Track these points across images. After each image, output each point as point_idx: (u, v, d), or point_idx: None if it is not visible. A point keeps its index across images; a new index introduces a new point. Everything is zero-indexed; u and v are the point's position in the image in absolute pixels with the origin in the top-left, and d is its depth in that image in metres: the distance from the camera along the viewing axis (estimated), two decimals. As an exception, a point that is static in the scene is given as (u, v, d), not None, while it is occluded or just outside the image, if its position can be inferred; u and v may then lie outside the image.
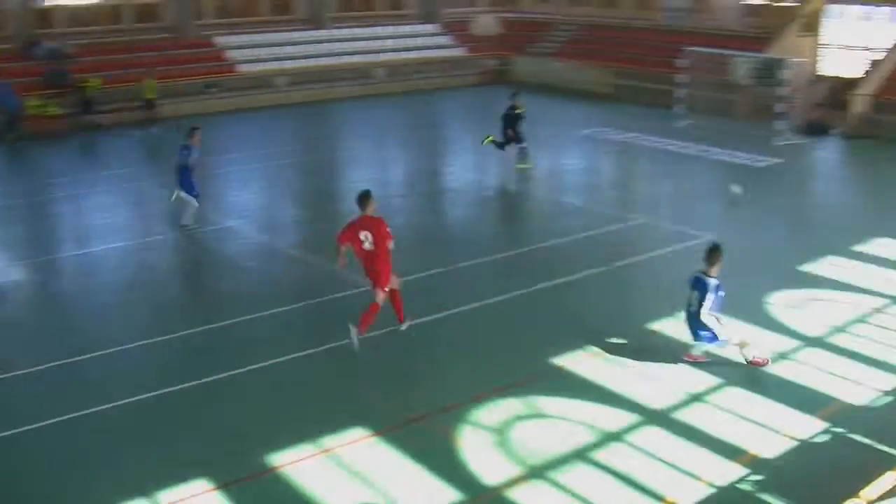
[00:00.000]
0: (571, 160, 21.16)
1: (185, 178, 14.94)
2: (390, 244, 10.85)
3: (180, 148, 14.99)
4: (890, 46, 28.49)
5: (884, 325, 10.75)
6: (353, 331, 10.70)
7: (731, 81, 27.49)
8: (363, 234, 10.86)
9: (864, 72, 30.03)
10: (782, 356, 9.90)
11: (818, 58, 32.08)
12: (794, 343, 10.38)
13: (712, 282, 9.82)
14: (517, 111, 19.74)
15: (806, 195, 18.17)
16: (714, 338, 10.09)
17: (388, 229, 10.93)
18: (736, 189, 16.98)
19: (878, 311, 11.14)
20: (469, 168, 19.82)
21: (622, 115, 27.15)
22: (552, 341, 10.00)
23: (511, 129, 19.59)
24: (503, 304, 11.29)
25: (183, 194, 14.81)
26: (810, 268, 13.19)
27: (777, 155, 21.91)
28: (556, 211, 16.44)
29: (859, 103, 26.20)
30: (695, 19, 33.79)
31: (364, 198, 10.95)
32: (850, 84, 28.13)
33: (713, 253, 9.84)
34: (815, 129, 25.85)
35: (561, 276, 12.46)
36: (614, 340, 10.04)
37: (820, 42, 32.02)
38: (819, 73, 31.69)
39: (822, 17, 31.60)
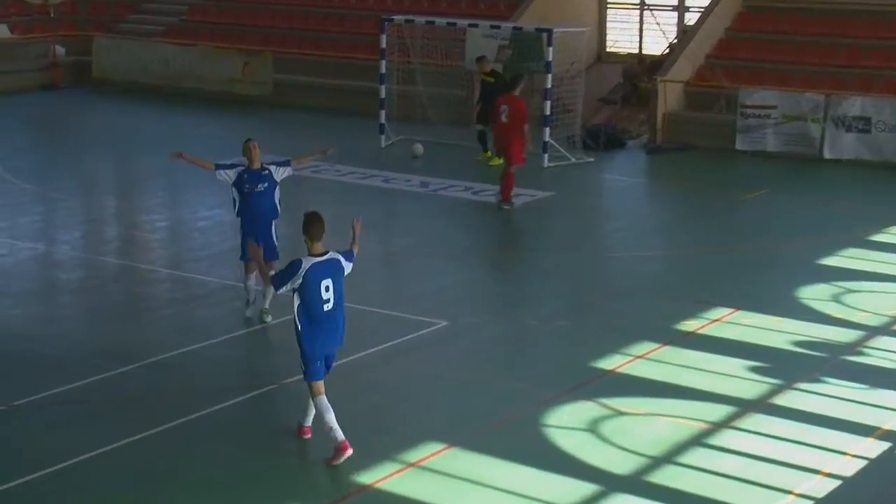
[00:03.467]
0: (210, 211, 21.58)
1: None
2: (525, 127, 21.51)
3: (250, 174, 15.44)
4: (707, 3, 30.80)
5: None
6: (506, 206, 21.82)
7: (465, 69, 29.16)
8: (503, 108, 21.53)
9: (667, 47, 32.87)
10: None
11: (605, 26, 34.40)
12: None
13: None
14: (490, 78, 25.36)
15: (589, 259, 19.41)
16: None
17: (525, 110, 21.57)
18: (418, 149, 24.32)
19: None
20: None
21: (290, 132, 28.24)
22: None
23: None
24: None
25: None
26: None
27: (544, 185, 23.87)
28: (183, 296, 17.21)
29: (666, 96, 28.96)
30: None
31: (516, 79, 22.38)
32: (654, 66, 30.55)
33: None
34: (604, 140, 27.54)
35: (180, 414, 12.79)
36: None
37: (608, 1, 34.43)
38: (608, 51, 34.08)
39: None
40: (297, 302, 11.62)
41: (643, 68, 30.77)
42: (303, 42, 33.48)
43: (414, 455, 11.90)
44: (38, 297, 17.48)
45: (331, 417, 11.64)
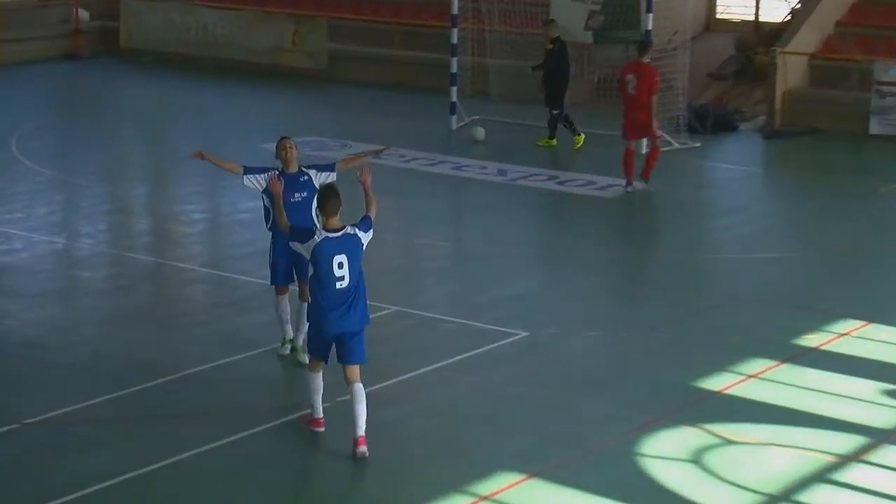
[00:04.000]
0: (254, 202, 21.08)
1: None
2: (654, 99, 22.22)
3: (286, 180, 14.05)
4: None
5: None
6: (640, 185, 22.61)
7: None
8: (629, 78, 22.37)
9: (789, 12, 31.87)
10: None
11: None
12: None
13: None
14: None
15: (694, 260, 19.32)
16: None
17: (656, 80, 22.41)
18: (479, 133, 25.51)
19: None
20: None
21: (346, 112, 28.63)
22: None
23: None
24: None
25: None
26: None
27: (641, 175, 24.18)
28: (223, 299, 17.43)
29: (787, 71, 28.77)
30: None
31: (645, 45, 23.11)
32: (771, 36, 30.30)
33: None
34: (712, 123, 27.30)
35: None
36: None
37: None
38: (719, 17, 33.21)
39: None
40: (310, 272, 12.65)
41: (760, 38, 30.47)
42: (361, 7, 33.58)
43: (487, 486, 11.89)
44: (56, 298, 17.73)
45: (317, 400, 12.93)
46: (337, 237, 12.37)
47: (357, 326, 12.56)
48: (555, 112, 25.67)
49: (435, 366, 14.71)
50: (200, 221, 21.47)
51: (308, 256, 12.44)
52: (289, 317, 15.02)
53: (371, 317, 16.24)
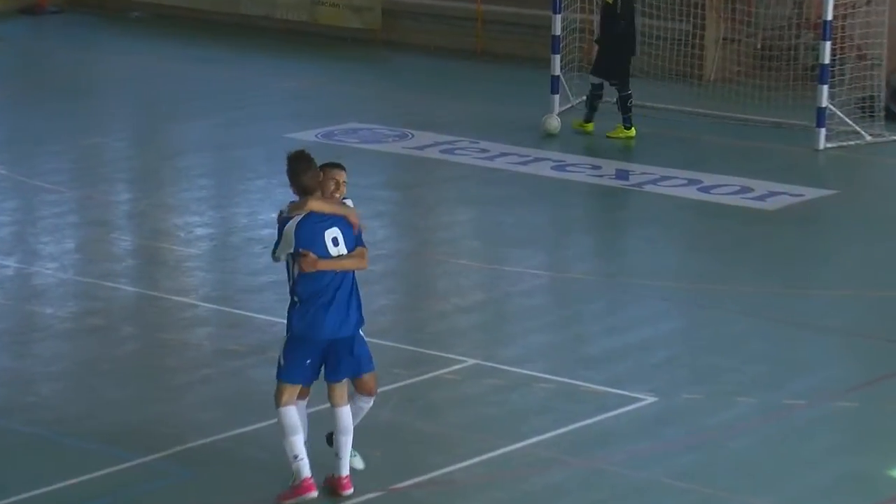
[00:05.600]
0: (276, 214, 21.77)
1: None
2: None
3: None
4: None
5: None
6: None
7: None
8: None
9: None
10: None
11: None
12: None
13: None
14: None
15: (893, 300, 19.32)
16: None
17: None
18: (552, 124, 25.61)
19: None
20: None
21: (411, 88, 29.04)
22: None
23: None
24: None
25: None
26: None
27: (820, 178, 24.37)
28: (235, 346, 17.50)
29: None
30: None
31: None
32: None
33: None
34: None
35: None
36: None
37: None
38: None
39: None
40: (297, 270, 13.07)
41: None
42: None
43: None
44: (6, 343, 17.77)
45: (298, 441, 13.12)
46: None
47: (356, 328, 13.23)
48: (623, 91, 25.97)
49: (528, 442, 14.71)
50: (205, 239, 21.52)
51: (290, 248, 13.00)
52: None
53: (442, 372, 16.45)
